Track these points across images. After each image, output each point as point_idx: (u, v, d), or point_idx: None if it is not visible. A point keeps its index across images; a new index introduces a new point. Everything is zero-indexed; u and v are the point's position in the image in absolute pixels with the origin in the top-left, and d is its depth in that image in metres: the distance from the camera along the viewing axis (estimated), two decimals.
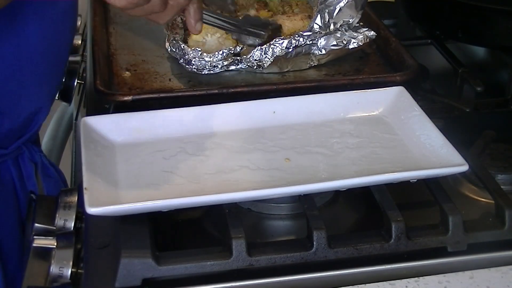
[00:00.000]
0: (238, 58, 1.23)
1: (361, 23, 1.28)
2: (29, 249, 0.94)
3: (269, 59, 1.21)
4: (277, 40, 1.21)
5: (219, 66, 1.22)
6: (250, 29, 1.18)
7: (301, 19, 1.28)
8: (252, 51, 1.22)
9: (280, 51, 1.21)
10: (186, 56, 1.22)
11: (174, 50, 1.24)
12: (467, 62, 1.35)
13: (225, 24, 1.17)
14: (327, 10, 1.23)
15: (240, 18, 1.21)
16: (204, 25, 1.25)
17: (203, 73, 1.23)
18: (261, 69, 1.22)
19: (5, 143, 1.16)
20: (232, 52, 1.23)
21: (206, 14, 1.11)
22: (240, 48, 1.24)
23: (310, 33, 1.23)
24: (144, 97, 1.14)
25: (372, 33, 1.28)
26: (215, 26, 1.17)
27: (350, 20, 1.25)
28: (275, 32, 1.21)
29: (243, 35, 1.19)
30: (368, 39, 1.27)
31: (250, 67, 1.23)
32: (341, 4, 1.23)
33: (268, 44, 1.22)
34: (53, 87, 1.23)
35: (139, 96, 1.13)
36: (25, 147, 1.20)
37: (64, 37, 1.20)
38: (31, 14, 1.07)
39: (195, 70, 1.23)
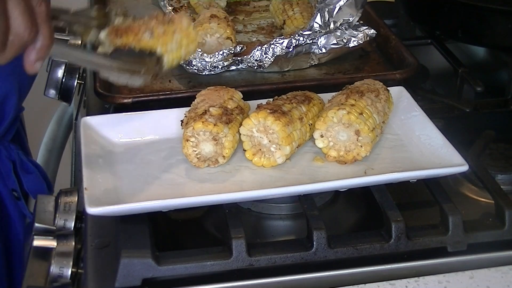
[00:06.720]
0: (239, 58, 1.23)
1: (361, 22, 1.28)
2: (29, 249, 0.94)
3: (270, 59, 1.21)
4: (277, 40, 1.22)
5: (220, 67, 1.22)
6: (123, 66, 0.90)
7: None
8: (252, 51, 1.22)
9: (280, 50, 1.21)
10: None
11: None
12: (467, 62, 1.35)
13: (87, 59, 0.89)
14: (327, 9, 1.23)
15: (110, 52, 0.94)
16: (204, 24, 1.25)
17: (203, 73, 1.23)
18: (261, 69, 1.23)
19: None
20: (232, 52, 1.23)
21: (60, 47, 0.86)
22: (240, 48, 1.24)
23: (310, 32, 1.23)
24: (144, 99, 1.14)
25: (372, 31, 1.28)
26: (73, 63, 0.91)
27: (350, 18, 1.25)
28: (156, 63, 0.94)
29: (114, 73, 0.90)
30: (368, 38, 1.27)
31: (251, 67, 1.23)
32: (341, 2, 1.23)
33: (268, 43, 1.22)
34: (18, 73, 1.19)
35: (139, 98, 1.13)
36: (2, 146, 1.20)
37: None
38: None
39: (195, 71, 1.23)
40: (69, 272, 0.90)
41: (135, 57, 0.92)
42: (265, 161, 0.97)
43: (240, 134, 0.98)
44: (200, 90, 1.05)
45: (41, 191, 1.25)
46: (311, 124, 1.00)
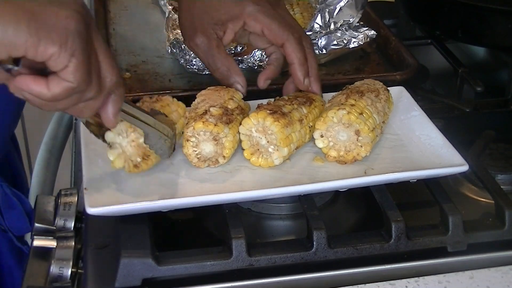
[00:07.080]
0: (239, 58, 1.23)
1: (361, 23, 1.28)
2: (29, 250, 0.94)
3: None
4: None
5: None
6: (161, 127, 0.92)
7: None
8: (253, 51, 1.22)
9: None
10: (187, 57, 1.22)
11: (174, 50, 1.24)
12: (467, 62, 1.35)
13: (142, 118, 0.89)
14: (327, 10, 1.23)
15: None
16: None
17: (203, 73, 1.23)
18: (262, 69, 1.22)
19: None
20: (233, 52, 1.23)
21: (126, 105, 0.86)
22: (240, 48, 1.24)
23: (310, 33, 1.23)
24: None
25: (373, 32, 1.28)
26: (131, 123, 0.89)
27: (351, 19, 1.25)
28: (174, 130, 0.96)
29: (155, 133, 0.91)
30: (368, 39, 1.27)
31: (251, 67, 1.23)
32: (341, 3, 1.23)
33: None
34: None
35: (138, 97, 1.13)
36: None
37: None
38: None
39: (195, 70, 1.23)
40: (69, 272, 0.90)
41: (162, 119, 0.93)
42: (262, 161, 0.97)
43: (240, 134, 0.98)
44: (201, 90, 1.05)
45: (23, 230, 1.23)
46: (311, 126, 1.00)
